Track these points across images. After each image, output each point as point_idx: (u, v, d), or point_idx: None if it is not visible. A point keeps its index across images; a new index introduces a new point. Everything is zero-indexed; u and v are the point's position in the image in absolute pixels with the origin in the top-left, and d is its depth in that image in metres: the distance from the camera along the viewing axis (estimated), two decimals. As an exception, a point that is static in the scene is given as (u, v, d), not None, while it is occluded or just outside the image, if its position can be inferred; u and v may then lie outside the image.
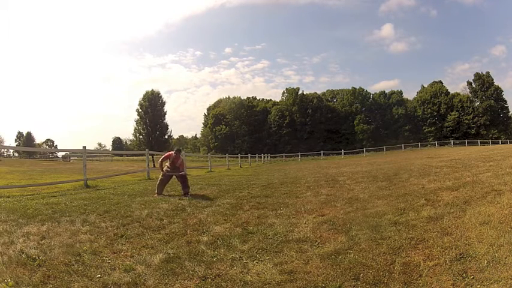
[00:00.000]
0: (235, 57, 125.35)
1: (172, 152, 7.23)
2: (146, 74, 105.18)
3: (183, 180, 7.01)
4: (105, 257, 3.08)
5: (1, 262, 2.85)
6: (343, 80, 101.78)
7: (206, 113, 72.37)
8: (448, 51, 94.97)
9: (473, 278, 2.32)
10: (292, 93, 67.24)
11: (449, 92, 62.99)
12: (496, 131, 56.62)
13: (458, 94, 62.86)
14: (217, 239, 3.61)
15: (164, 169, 7.14)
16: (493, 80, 60.27)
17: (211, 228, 4.07)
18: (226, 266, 2.85)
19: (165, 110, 41.14)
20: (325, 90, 72.86)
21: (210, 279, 2.58)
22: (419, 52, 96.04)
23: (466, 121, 59.02)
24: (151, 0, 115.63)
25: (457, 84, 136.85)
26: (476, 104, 60.20)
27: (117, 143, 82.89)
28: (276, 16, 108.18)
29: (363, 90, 67.95)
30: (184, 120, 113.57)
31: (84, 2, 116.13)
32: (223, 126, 65.11)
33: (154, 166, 24.12)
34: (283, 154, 46.36)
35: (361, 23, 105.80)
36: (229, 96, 72.31)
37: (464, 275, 2.38)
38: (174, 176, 7.18)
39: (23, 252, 3.08)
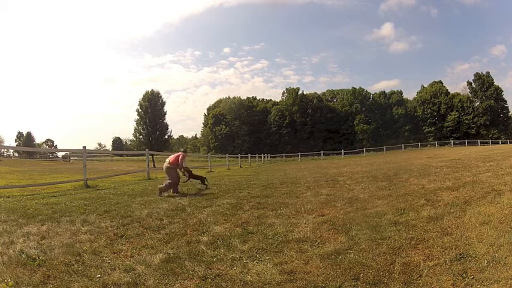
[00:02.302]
0: (234, 57, 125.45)
1: (181, 153, 7.70)
2: (145, 74, 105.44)
3: (190, 175, 7.83)
4: (105, 257, 3.08)
5: (1, 262, 2.85)
6: (342, 80, 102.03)
7: (206, 113, 72.49)
8: (448, 51, 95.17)
9: (473, 278, 2.32)
10: (292, 93, 67.24)
11: (449, 92, 63.03)
12: (496, 131, 56.66)
13: (458, 94, 62.88)
14: (217, 239, 3.60)
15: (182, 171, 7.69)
16: (493, 80, 60.35)
17: (211, 228, 4.07)
18: (226, 266, 2.85)
19: (165, 110, 41.27)
20: (325, 90, 73.08)
21: (210, 279, 2.58)
22: (420, 52, 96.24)
23: (466, 121, 59.02)
24: (150, 0, 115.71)
25: (457, 84, 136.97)
26: (476, 104, 60.23)
27: (117, 143, 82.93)
28: (274, 16, 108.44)
29: (363, 90, 67.99)
30: (184, 120, 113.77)
31: (84, 2, 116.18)
32: (223, 126, 65.13)
33: (154, 166, 24.12)
34: (283, 154, 46.34)
35: (360, 22, 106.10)
36: (229, 96, 72.46)
37: (464, 275, 2.37)
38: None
39: (23, 252, 3.08)
